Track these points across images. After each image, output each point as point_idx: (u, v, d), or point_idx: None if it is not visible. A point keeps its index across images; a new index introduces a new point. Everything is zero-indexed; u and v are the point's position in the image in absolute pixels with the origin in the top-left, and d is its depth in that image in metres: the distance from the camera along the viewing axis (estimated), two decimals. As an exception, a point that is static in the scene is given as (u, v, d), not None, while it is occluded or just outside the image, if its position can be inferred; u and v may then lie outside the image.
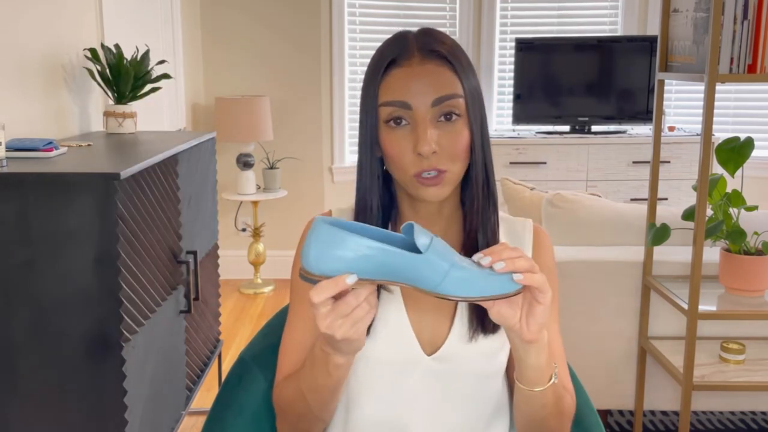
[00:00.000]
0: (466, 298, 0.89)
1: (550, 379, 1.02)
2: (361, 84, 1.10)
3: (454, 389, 1.12)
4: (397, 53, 1.06)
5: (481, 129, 1.07)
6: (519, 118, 4.44)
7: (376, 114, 1.06)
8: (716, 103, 2.26)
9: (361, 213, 1.11)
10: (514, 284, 0.89)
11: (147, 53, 2.62)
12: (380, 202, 1.11)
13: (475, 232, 1.10)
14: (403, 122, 1.05)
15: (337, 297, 0.90)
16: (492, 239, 1.10)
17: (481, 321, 1.09)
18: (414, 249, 0.89)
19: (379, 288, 1.08)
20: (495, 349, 1.12)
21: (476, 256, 0.91)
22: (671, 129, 4.45)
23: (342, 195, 4.48)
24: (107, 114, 2.52)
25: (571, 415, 1.13)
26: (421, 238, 0.88)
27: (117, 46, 2.55)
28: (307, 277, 0.90)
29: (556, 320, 1.16)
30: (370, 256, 0.87)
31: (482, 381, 1.13)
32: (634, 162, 4.30)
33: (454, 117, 1.04)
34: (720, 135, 3.97)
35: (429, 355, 1.10)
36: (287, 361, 1.15)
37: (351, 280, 0.87)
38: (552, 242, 1.24)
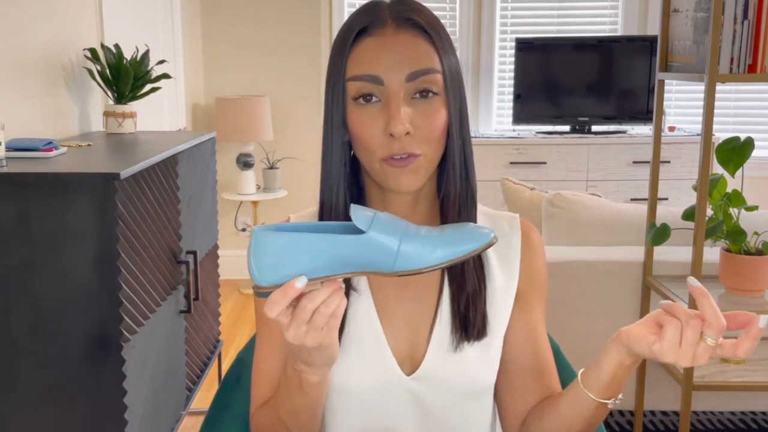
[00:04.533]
0: (430, 268, 0.80)
1: (608, 399, 0.96)
2: None
3: (437, 413, 1.03)
4: (368, 21, 0.95)
5: (460, 112, 0.97)
6: (519, 118, 4.44)
7: (343, 91, 0.95)
8: (716, 103, 2.26)
9: (327, 208, 0.99)
10: (480, 238, 0.81)
11: (147, 53, 2.62)
12: (348, 192, 0.99)
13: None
14: (374, 99, 0.93)
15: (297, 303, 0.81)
16: None
17: (465, 326, 0.99)
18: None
19: (348, 294, 1.00)
20: (483, 357, 1.02)
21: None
22: (671, 129, 4.45)
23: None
24: (107, 114, 2.52)
25: None
26: (361, 218, 0.80)
27: (117, 46, 2.55)
28: (260, 293, 0.81)
29: (543, 325, 1.10)
30: (313, 251, 0.78)
31: (468, 401, 1.04)
32: (634, 162, 4.30)
33: (431, 95, 0.94)
34: (720, 135, 3.97)
35: (409, 374, 1.01)
36: (259, 390, 1.08)
37: (300, 283, 0.78)
38: (550, 242, 1.22)
